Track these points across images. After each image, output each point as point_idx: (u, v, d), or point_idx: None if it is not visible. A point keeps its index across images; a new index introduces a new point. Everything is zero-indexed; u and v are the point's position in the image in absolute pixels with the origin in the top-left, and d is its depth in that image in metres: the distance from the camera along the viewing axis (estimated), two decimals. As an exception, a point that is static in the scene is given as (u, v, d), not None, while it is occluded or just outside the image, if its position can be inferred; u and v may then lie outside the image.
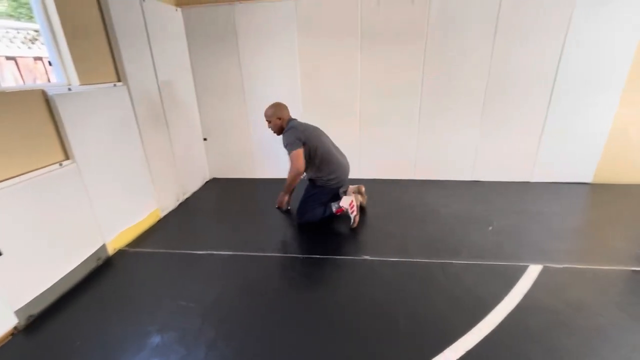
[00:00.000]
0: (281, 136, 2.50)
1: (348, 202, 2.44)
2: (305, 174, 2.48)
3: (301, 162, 2.31)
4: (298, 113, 3.33)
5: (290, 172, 2.37)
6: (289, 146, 2.32)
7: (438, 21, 2.88)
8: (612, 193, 3.02)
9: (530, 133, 3.14)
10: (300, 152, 2.30)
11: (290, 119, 2.49)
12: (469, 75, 3.02)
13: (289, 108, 2.57)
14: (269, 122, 2.49)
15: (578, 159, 3.17)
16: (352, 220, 2.45)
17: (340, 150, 2.63)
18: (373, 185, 3.16)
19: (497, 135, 3.19)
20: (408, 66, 3.07)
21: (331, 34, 3.04)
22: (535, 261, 2.04)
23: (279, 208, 2.78)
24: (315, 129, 2.53)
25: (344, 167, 2.53)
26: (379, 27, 2.96)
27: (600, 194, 3.03)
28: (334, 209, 2.49)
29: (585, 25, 2.73)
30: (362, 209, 2.72)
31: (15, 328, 1.64)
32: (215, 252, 2.29)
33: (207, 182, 3.70)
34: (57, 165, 1.88)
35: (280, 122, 2.46)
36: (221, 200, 3.30)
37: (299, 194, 2.66)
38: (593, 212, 2.77)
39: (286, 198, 2.57)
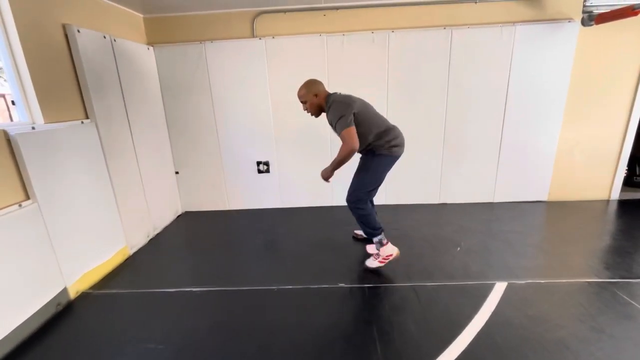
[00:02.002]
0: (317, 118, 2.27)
1: (389, 254, 2.25)
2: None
3: (355, 140, 1.97)
4: (271, 143, 3.41)
5: (342, 150, 2.00)
6: (339, 123, 1.97)
7: (397, 58, 3.14)
8: (566, 210, 3.28)
9: (488, 156, 3.39)
10: (353, 129, 1.97)
11: (329, 94, 2.18)
12: (430, 105, 3.27)
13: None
14: (304, 102, 2.19)
15: (533, 179, 3.44)
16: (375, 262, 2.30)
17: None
18: (345, 212, 3.22)
19: (459, 160, 3.41)
20: (373, 98, 3.25)
21: (300, 69, 3.21)
22: (500, 278, 2.15)
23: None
24: (363, 100, 2.23)
25: (399, 132, 2.23)
26: (344, 63, 3.18)
27: (555, 211, 3.27)
28: (379, 261, 2.28)
29: (525, 58, 3.08)
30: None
31: (-42, 389, 1.48)
32: (186, 289, 2.21)
33: (179, 216, 3.62)
34: (16, 206, 1.80)
35: (318, 99, 2.14)
36: (193, 235, 3.22)
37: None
38: (550, 228, 2.98)
39: (332, 174, 2.19)
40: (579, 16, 2.94)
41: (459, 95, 3.21)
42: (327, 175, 2.20)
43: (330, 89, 3.21)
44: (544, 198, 3.50)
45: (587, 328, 1.71)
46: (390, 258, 2.29)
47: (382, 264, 2.30)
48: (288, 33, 3.14)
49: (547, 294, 1.99)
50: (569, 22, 2.98)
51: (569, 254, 2.45)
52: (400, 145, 2.20)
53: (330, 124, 2.10)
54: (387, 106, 3.27)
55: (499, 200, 3.52)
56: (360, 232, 2.56)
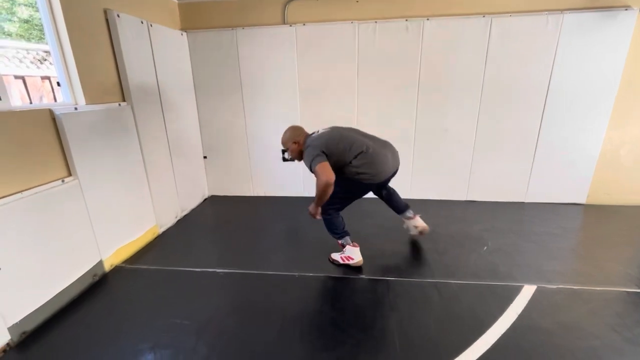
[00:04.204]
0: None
1: (350, 256, 2.25)
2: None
3: (329, 172, 1.96)
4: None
5: (317, 185, 2.00)
6: (311, 163, 2.02)
7: (431, 47, 3.02)
8: (606, 214, 3.07)
9: (523, 154, 3.22)
10: (324, 164, 1.98)
11: (308, 137, 2.23)
12: (462, 98, 3.13)
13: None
14: (286, 150, 2.30)
15: (571, 180, 3.24)
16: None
17: (382, 141, 2.26)
18: (368, 204, 3.20)
19: (491, 156, 3.27)
20: (403, 88, 3.18)
21: (330, 57, 3.17)
22: (529, 281, 2.06)
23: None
24: (337, 129, 2.24)
25: (382, 158, 2.12)
26: (375, 52, 3.09)
27: (593, 215, 3.07)
28: (339, 257, 2.31)
29: (572, 50, 2.86)
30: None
31: (7, 344, 1.63)
32: (211, 270, 2.29)
33: (205, 199, 3.73)
34: (59, 182, 1.92)
35: (297, 146, 2.21)
36: (219, 218, 3.32)
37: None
38: (586, 232, 2.80)
39: (318, 210, 2.20)
40: (638, 4, 2.69)
41: (494, 87, 3.05)
42: (314, 212, 2.21)
43: (360, 78, 3.20)
44: (582, 201, 3.29)
45: (622, 339, 1.61)
46: (351, 262, 2.24)
47: (342, 262, 2.27)
48: (319, 20, 3.10)
49: (580, 301, 1.88)
50: (626, 10, 2.72)
51: (607, 260, 2.30)
52: (370, 174, 2.09)
53: (307, 166, 2.10)
54: (417, 97, 3.17)
55: (531, 200, 3.35)
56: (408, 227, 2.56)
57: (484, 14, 2.88)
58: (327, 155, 2.03)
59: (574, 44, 2.85)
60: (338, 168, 2.08)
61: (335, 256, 2.33)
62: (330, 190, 1.99)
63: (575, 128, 3.07)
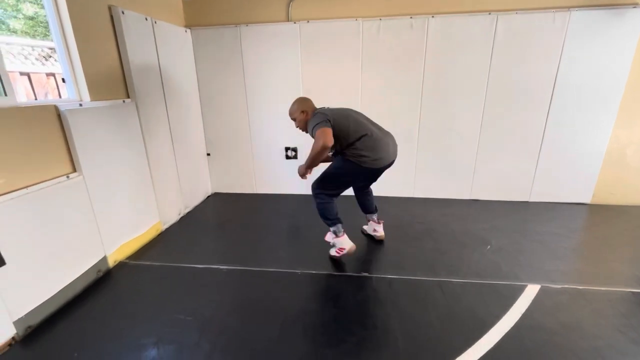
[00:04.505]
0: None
1: (341, 247, 2.26)
2: (333, 150, 2.14)
3: (329, 137, 1.94)
4: (299, 130, 3.41)
5: (313, 145, 1.97)
6: (315, 127, 1.99)
7: (435, 44, 3.00)
8: (611, 214, 3.04)
9: (528, 153, 3.20)
10: (327, 129, 1.96)
11: (316, 109, 2.23)
12: (467, 96, 3.11)
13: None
14: (295, 119, 2.27)
15: (576, 179, 3.21)
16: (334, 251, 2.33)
17: (385, 130, 2.26)
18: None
19: (495, 155, 3.24)
20: (407, 86, 3.17)
21: (333, 55, 3.16)
22: (533, 281, 2.05)
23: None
24: (346, 109, 2.24)
25: (384, 145, 2.12)
26: (379, 49, 3.08)
27: (599, 215, 3.04)
28: (333, 254, 2.33)
29: (579, 48, 2.83)
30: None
31: (13, 338, 1.65)
32: (214, 266, 2.30)
33: (208, 196, 3.74)
34: (64, 178, 1.94)
35: (305, 115, 2.20)
36: (222, 215, 3.33)
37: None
38: (591, 232, 2.78)
39: (308, 171, 2.20)
40: (646, 1, 2.66)
41: (500, 86, 3.03)
42: (302, 171, 2.22)
43: (364, 76, 3.19)
44: (587, 200, 3.26)
45: (627, 340, 1.59)
46: (344, 252, 2.26)
47: (337, 255, 2.30)
48: (323, 17, 3.09)
49: (585, 301, 1.87)
50: (634, 7, 2.69)
51: (612, 260, 2.29)
52: (371, 158, 2.07)
53: (310, 132, 2.10)
54: (421, 95, 3.16)
55: (535, 199, 3.33)
56: (366, 228, 2.62)
57: (489, 11, 2.86)
58: (332, 126, 2.02)
59: (581, 42, 2.82)
60: (341, 147, 2.11)
61: (332, 252, 2.35)
62: (324, 155, 1.99)
63: (581, 127, 3.04)
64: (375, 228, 2.59)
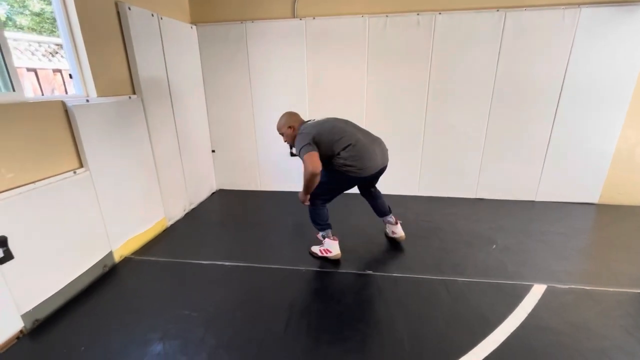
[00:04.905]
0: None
1: (329, 249, 2.29)
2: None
3: (316, 162, 2.00)
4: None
5: (304, 174, 2.04)
6: (301, 151, 2.06)
7: (442, 41, 2.97)
8: (619, 214, 3.01)
9: (534, 152, 3.17)
10: (313, 153, 2.01)
11: (302, 123, 2.26)
12: (474, 94, 3.08)
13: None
14: (282, 134, 2.31)
15: (583, 179, 3.18)
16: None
17: (373, 136, 2.25)
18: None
19: (501, 153, 3.22)
20: (413, 84, 3.14)
21: (339, 52, 3.14)
22: (539, 281, 2.03)
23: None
24: (331, 120, 2.24)
25: (370, 154, 2.11)
26: (385, 46, 3.06)
27: (606, 215, 3.01)
28: (318, 250, 2.35)
29: (588, 46, 2.79)
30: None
31: (21, 332, 1.67)
32: (219, 263, 2.31)
33: (213, 193, 3.75)
34: (71, 173, 1.95)
35: (292, 130, 2.23)
36: (226, 212, 3.34)
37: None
38: (599, 233, 2.75)
39: (307, 197, 2.23)
40: (658, -2, 2.61)
41: (507, 83, 3.00)
42: (302, 198, 2.24)
43: (370, 73, 3.17)
44: (594, 200, 3.23)
45: (635, 341, 1.58)
46: (329, 255, 2.27)
47: (320, 254, 2.31)
48: (329, 14, 3.07)
49: (592, 302, 1.85)
50: (646, 4, 2.65)
51: (620, 261, 2.26)
52: (356, 167, 2.08)
53: (297, 153, 2.14)
54: (427, 93, 3.13)
55: (541, 199, 3.30)
56: (387, 231, 2.59)
57: (497, 8, 2.82)
58: (317, 144, 2.07)
59: (591, 40, 2.78)
60: (326, 158, 2.12)
61: (315, 249, 2.36)
62: (317, 180, 2.05)
63: (590, 125, 3.00)
64: (393, 230, 2.51)
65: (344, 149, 2.08)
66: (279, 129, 2.31)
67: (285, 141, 2.31)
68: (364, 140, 2.14)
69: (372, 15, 3.00)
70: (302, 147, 2.05)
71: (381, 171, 2.23)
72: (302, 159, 2.06)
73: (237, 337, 1.64)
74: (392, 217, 2.51)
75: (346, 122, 2.26)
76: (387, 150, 2.26)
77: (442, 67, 3.04)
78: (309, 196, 2.22)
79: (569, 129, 3.04)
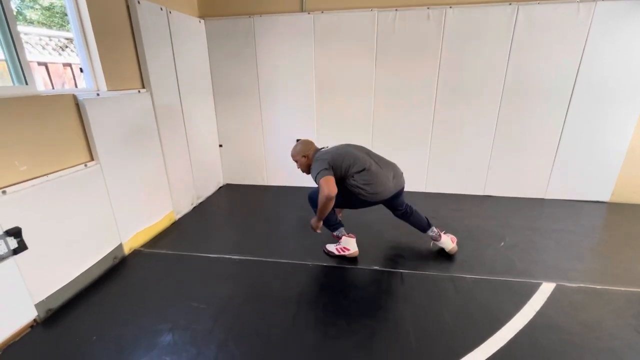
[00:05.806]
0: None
1: (347, 247, 2.27)
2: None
3: (332, 186, 2.00)
4: (312, 123, 3.40)
5: (320, 197, 2.03)
6: (317, 175, 2.06)
7: (452, 36, 2.93)
8: (631, 213, 2.96)
9: (545, 149, 3.12)
10: (329, 178, 2.02)
11: (316, 151, 2.26)
12: (483, 90, 3.04)
13: (312, 141, 2.37)
14: (296, 162, 2.31)
15: (594, 177, 3.12)
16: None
17: (387, 161, 2.25)
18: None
19: (510, 150, 3.18)
20: (422, 80, 3.11)
21: (348, 46, 3.12)
22: (548, 279, 2.01)
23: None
24: (345, 146, 2.27)
25: (383, 179, 2.12)
26: (394, 41, 3.02)
27: (618, 213, 2.96)
28: (335, 248, 2.33)
29: (603, 41, 2.73)
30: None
31: (34, 320, 1.71)
32: (226, 256, 2.33)
33: (220, 187, 3.78)
34: (82, 166, 1.97)
35: (306, 159, 2.25)
36: (234, 206, 3.36)
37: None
38: (609, 231, 2.71)
39: (320, 224, 2.24)
40: (677, -9, 2.53)
41: (518, 79, 2.94)
42: (315, 224, 2.23)
43: (378, 68, 3.14)
44: (606, 199, 3.17)
45: (646, 341, 1.56)
46: (346, 253, 2.26)
47: (338, 253, 2.28)
48: (338, 8, 3.04)
49: (602, 301, 1.83)
50: (664, -2, 2.57)
51: (630, 260, 2.23)
52: (368, 192, 2.09)
53: (313, 179, 2.14)
54: (436, 88, 3.10)
55: (551, 197, 3.26)
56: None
57: (510, 2, 2.77)
58: (332, 169, 2.08)
59: (606, 34, 2.71)
60: (340, 179, 2.13)
61: (331, 247, 2.34)
62: (331, 204, 2.05)
63: (602, 122, 2.94)
64: (439, 244, 2.33)
65: (358, 172, 2.11)
66: (293, 157, 2.33)
67: (298, 167, 2.33)
68: (377, 165, 2.17)
69: (382, 9, 2.96)
70: (319, 172, 2.07)
71: (398, 194, 2.23)
72: (317, 183, 2.07)
73: (245, 329, 1.66)
74: (435, 229, 2.31)
75: (359, 147, 2.29)
76: (402, 173, 2.25)
77: (451, 62, 3.00)
78: (321, 223, 2.22)
79: (581, 126, 2.98)
